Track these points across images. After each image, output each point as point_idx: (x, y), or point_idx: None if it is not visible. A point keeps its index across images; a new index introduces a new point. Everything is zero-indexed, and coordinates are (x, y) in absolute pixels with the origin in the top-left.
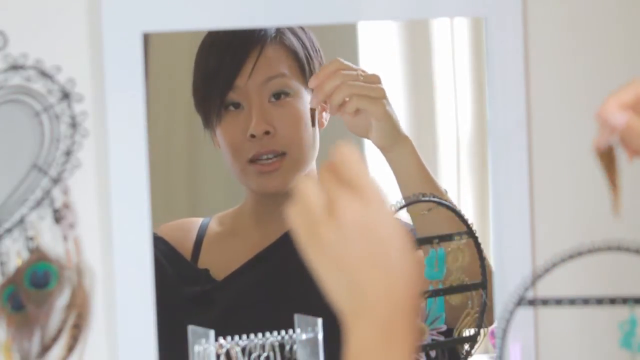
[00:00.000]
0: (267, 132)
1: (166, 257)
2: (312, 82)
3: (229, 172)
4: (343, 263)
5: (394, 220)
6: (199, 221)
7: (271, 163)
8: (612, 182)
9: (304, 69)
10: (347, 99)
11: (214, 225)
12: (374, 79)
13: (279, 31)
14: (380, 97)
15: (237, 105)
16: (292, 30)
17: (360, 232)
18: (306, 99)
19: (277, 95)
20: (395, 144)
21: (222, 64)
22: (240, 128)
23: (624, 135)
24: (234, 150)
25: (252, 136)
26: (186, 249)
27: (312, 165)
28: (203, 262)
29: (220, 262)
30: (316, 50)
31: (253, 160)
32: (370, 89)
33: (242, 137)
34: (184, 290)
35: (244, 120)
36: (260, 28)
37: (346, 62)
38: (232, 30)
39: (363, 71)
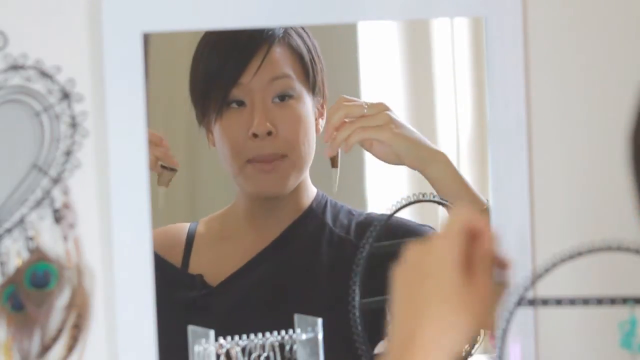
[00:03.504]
0: (269, 133)
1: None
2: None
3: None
4: (395, 301)
5: (445, 281)
6: (186, 226)
7: (271, 161)
8: None
9: (307, 72)
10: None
11: (201, 230)
12: (380, 107)
13: (286, 32)
14: (385, 124)
15: (239, 103)
16: (297, 32)
17: (407, 274)
18: (308, 103)
19: (281, 97)
20: (429, 162)
21: (227, 61)
22: (242, 126)
23: None
24: (234, 148)
25: (254, 135)
26: (175, 256)
27: (307, 172)
28: (194, 268)
29: (212, 267)
30: (319, 56)
31: (252, 161)
32: (372, 119)
33: (244, 136)
34: (175, 297)
35: (246, 119)
36: (268, 28)
37: (350, 98)
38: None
39: (367, 103)
